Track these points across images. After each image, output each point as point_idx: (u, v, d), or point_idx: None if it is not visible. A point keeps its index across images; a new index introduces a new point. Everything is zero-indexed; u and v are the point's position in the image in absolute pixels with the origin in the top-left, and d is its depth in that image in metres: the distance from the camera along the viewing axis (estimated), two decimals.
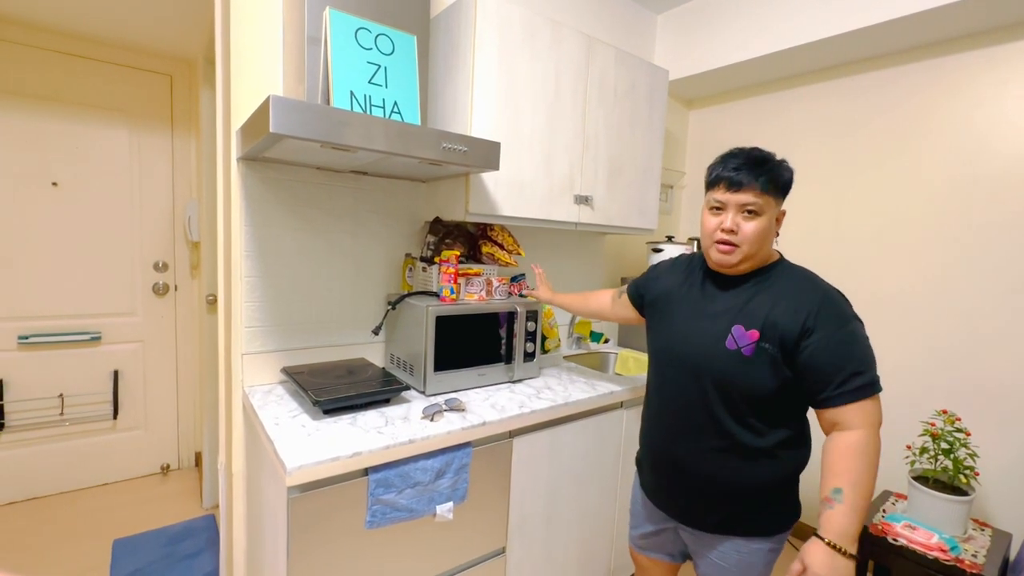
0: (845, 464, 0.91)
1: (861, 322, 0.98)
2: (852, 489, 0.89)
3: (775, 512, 1.06)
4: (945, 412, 1.70)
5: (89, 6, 1.97)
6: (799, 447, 1.05)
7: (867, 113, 2.07)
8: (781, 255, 1.09)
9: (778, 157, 1.03)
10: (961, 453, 1.61)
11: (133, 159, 2.42)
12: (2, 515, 2.18)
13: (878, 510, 1.77)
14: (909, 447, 1.78)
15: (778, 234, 1.05)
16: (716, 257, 1.04)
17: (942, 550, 1.51)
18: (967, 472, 1.60)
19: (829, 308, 0.96)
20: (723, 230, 1.01)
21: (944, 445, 1.64)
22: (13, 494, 2.27)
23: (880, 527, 1.64)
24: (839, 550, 0.87)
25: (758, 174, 0.98)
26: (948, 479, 1.64)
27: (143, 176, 2.46)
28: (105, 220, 2.38)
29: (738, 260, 1.02)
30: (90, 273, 2.37)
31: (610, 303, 1.48)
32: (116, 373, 2.45)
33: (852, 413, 0.93)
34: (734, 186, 0.99)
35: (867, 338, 0.97)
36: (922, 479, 1.68)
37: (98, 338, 2.39)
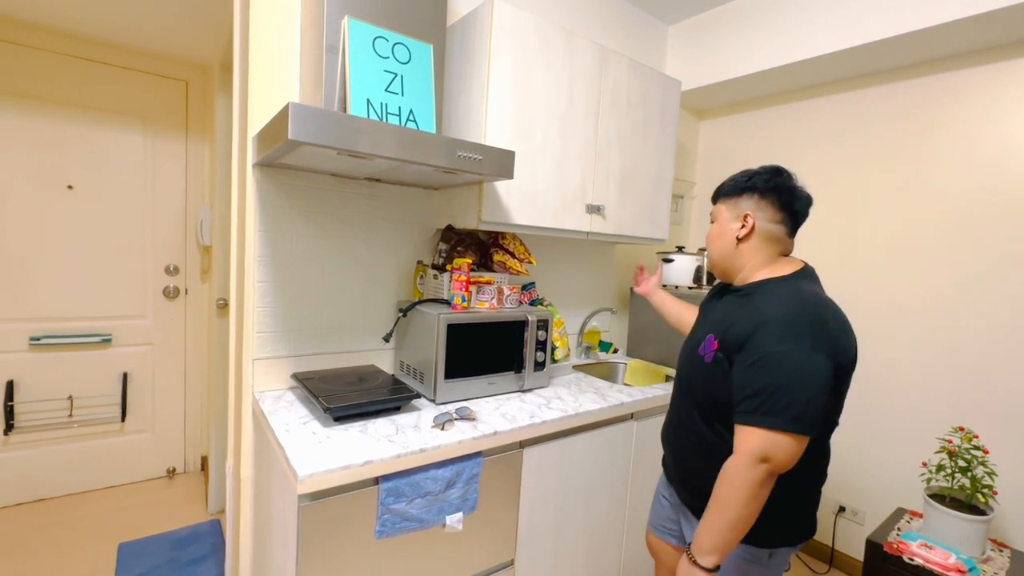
0: (717, 486, 0.93)
1: (812, 355, 0.88)
2: (711, 510, 0.93)
3: (764, 519, 0.98)
4: (962, 429, 1.67)
5: (107, 12, 2.00)
6: None
7: (879, 126, 2.06)
8: (796, 273, 1.03)
9: (775, 168, 1.08)
10: (979, 471, 1.58)
11: (147, 163, 2.45)
12: (9, 516, 2.18)
13: (892, 528, 1.74)
14: (925, 464, 1.75)
15: (739, 237, 1.06)
16: None
17: (960, 571, 1.47)
18: (985, 491, 1.57)
19: (775, 325, 0.91)
20: None
21: (961, 463, 1.60)
22: (21, 495, 2.28)
23: (896, 545, 1.61)
24: (692, 560, 0.93)
25: (716, 192, 1.15)
26: (966, 498, 1.61)
27: (157, 180, 2.48)
28: (118, 223, 2.40)
29: (709, 264, 1.17)
30: (102, 275, 2.38)
31: (691, 316, 1.44)
32: (125, 376, 2.45)
33: (738, 434, 0.93)
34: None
35: (802, 371, 0.87)
36: (938, 497, 1.65)
37: (108, 340, 2.41)
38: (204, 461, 2.66)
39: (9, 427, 2.21)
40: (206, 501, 2.37)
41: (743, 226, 1.05)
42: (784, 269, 1.03)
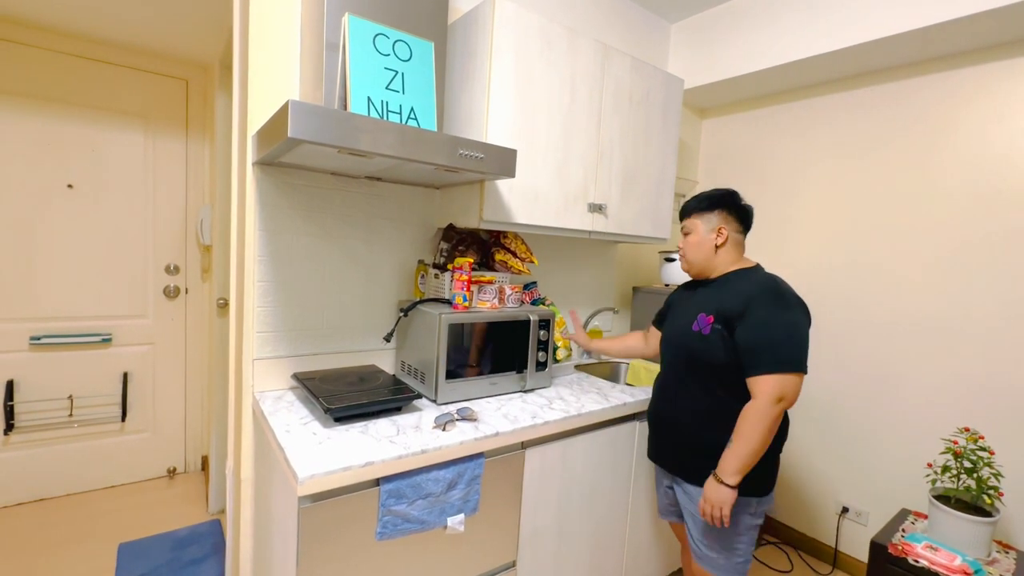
0: (740, 425, 1.18)
1: (796, 313, 1.19)
2: (737, 441, 1.17)
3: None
4: (968, 430, 1.66)
5: (106, 10, 1.99)
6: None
7: (884, 124, 2.04)
8: (757, 265, 1.34)
9: (728, 191, 1.35)
10: (985, 472, 1.57)
11: (148, 163, 2.44)
12: (10, 516, 2.18)
13: (897, 529, 1.73)
14: (930, 465, 1.73)
15: (717, 245, 1.33)
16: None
17: (966, 573, 1.46)
18: (991, 492, 1.55)
19: (764, 297, 1.20)
20: (679, 247, 1.44)
21: (967, 464, 1.59)
22: (21, 495, 2.27)
23: (900, 547, 1.60)
24: (720, 480, 1.19)
25: (685, 207, 1.41)
26: (971, 499, 1.59)
27: (157, 179, 2.48)
28: (118, 223, 2.39)
29: (686, 266, 1.42)
30: (102, 275, 2.38)
31: (644, 339, 1.72)
32: (125, 375, 2.45)
33: (756, 384, 1.17)
34: (680, 218, 1.44)
35: (795, 325, 1.18)
36: (943, 498, 1.63)
37: (108, 340, 2.40)
38: (205, 461, 2.65)
39: (9, 427, 2.21)
40: (207, 501, 2.37)
41: (719, 235, 1.33)
42: (748, 263, 1.35)
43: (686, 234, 1.39)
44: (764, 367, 1.15)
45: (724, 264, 1.35)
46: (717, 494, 1.19)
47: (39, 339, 2.24)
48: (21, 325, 2.22)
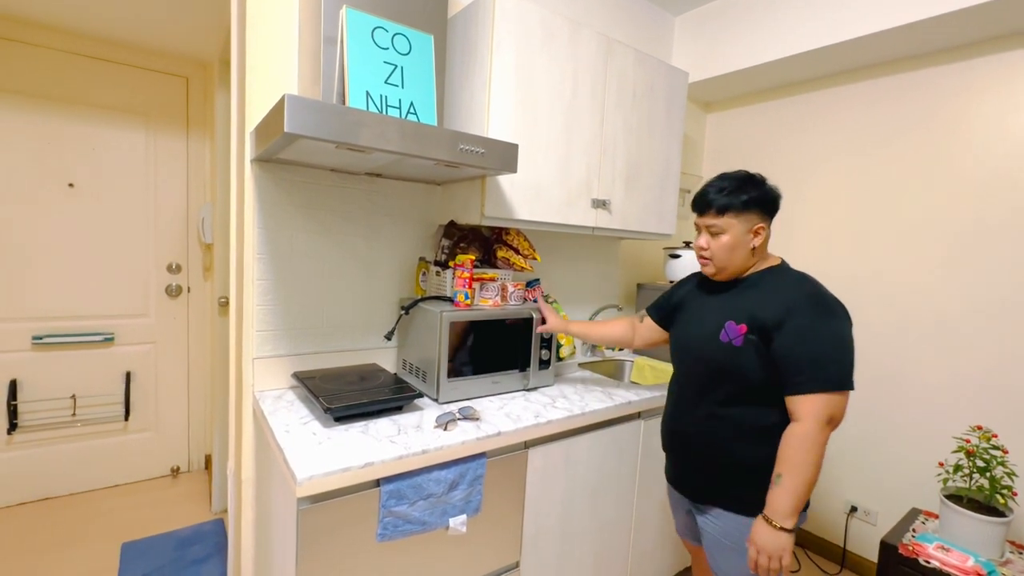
0: (786, 453, 1.03)
1: (842, 322, 1.05)
2: (789, 475, 1.02)
3: (753, 494, 1.10)
4: (980, 428, 1.63)
5: (106, 8, 1.98)
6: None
7: (894, 117, 2.00)
8: (783, 261, 1.19)
9: (754, 176, 1.15)
10: (998, 472, 1.54)
11: (148, 161, 2.43)
12: (13, 515, 2.18)
13: (907, 529, 1.70)
14: (942, 464, 1.70)
15: (755, 247, 1.15)
16: (701, 268, 1.25)
17: (979, 574, 1.43)
18: (1005, 492, 1.52)
19: (805, 303, 1.05)
20: (698, 247, 1.20)
21: (980, 463, 1.56)
22: (25, 494, 2.27)
23: (911, 547, 1.57)
24: (774, 524, 1.02)
25: (713, 200, 1.14)
26: (984, 499, 1.56)
27: (158, 178, 2.46)
28: (120, 221, 2.39)
29: (714, 271, 1.19)
30: (104, 274, 2.37)
31: (631, 328, 1.54)
32: (128, 375, 2.44)
33: (800, 404, 1.03)
34: (698, 210, 1.19)
35: (841, 337, 1.04)
36: (955, 498, 1.60)
37: (111, 339, 2.39)
38: (208, 460, 2.65)
39: (13, 426, 2.21)
40: (210, 500, 2.36)
41: (756, 236, 1.15)
42: (774, 260, 1.19)
43: (715, 233, 1.15)
44: (809, 385, 1.01)
45: (755, 263, 1.18)
46: (774, 541, 1.02)
47: (41, 339, 2.24)
48: (23, 324, 2.22)
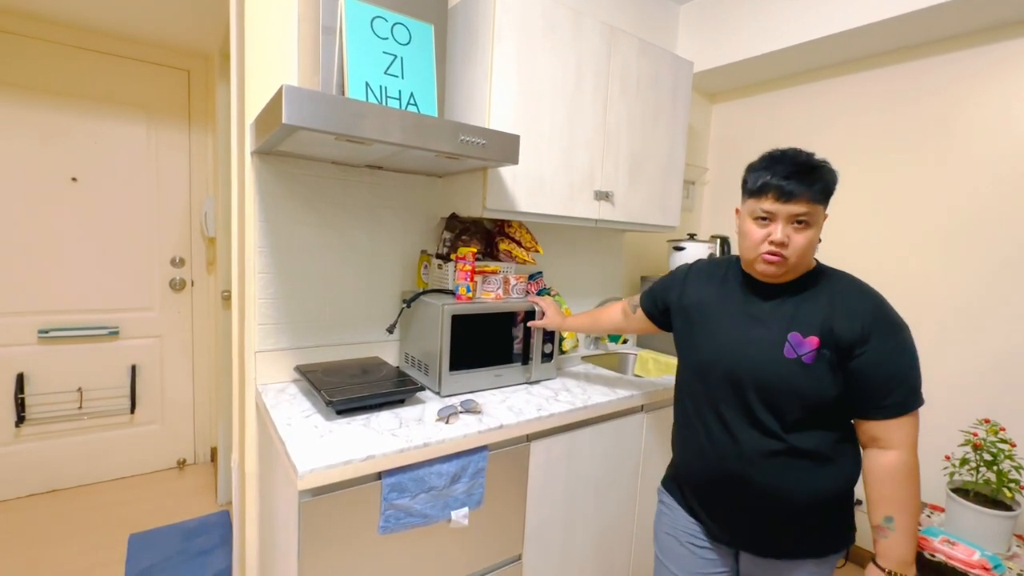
0: (892, 489, 0.90)
1: (909, 330, 0.95)
2: (903, 515, 0.90)
3: (839, 526, 1.00)
4: (988, 421, 1.61)
5: (108, 1, 1.97)
6: (856, 453, 1.00)
7: (904, 106, 1.97)
8: (816, 260, 1.03)
9: (818, 157, 0.96)
10: (1006, 465, 1.52)
11: (151, 154, 2.43)
12: (22, 506, 2.21)
13: None
14: (948, 457, 1.69)
15: (820, 240, 0.98)
16: (762, 268, 0.98)
17: (985, 568, 1.42)
18: (1012, 486, 1.51)
19: (882, 315, 0.93)
20: (773, 242, 0.94)
21: (987, 456, 1.54)
22: (33, 486, 2.30)
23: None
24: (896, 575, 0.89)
25: (811, 182, 0.91)
26: (991, 492, 1.55)
27: (161, 171, 2.46)
28: (123, 215, 2.39)
29: (785, 271, 0.97)
30: (108, 268, 2.38)
31: (623, 318, 1.43)
32: (134, 368, 2.46)
33: (894, 429, 0.91)
34: (785, 196, 0.92)
35: (915, 348, 0.93)
36: (962, 492, 1.59)
37: (116, 333, 2.41)
38: (214, 453, 2.67)
39: (20, 419, 2.23)
40: (216, 492, 2.38)
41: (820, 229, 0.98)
42: (812, 261, 1.02)
43: (802, 224, 0.93)
44: (900, 408, 0.90)
45: (805, 266, 1.00)
46: None
47: (47, 332, 2.25)
48: (29, 319, 2.23)
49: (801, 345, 0.94)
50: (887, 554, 0.91)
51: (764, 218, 0.96)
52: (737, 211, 1.05)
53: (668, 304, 1.23)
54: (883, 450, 0.92)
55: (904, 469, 0.90)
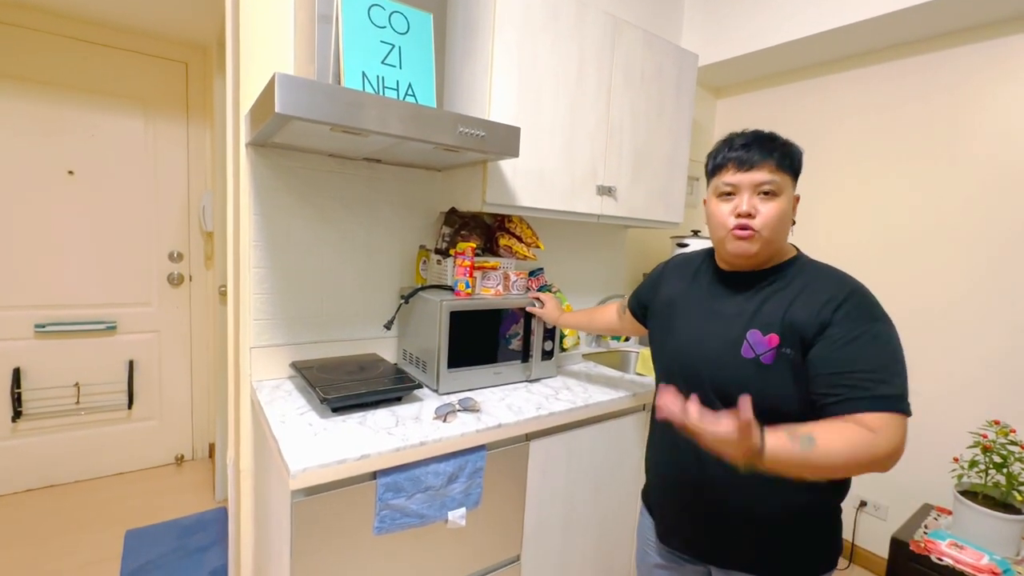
0: (828, 433, 0.74)
1: (894, 327, 0.83)
2: (818, 452, 0.72)
3: (814, 546, 0.92)
4: (998, 423, 1.58)
5: None
6: None
7: (911, 101, 1.93)
8: (798, 250, 0.97)
9: (779, 137, 0.92)
10: (1016, 468, 1.49)
11: (149, 148, 2.41)
12: (19, 502, 2.19)
13: (919, 525, 1.66)
14: (956, 459, 1.65)
15: (794, 222, 0.93)
16: (733, 247, 0.91)
17: (993, 572, 1.39)
18: (1022, 489, 1.48)
19: (853, 302, 0.82)
20: (739, 214, 0.88)
21: (997, 459, 1.51)
22: (30, 481, 2.29)
23: (923, 544, 1.53)
24: (759, 439, 0.72)
25: (770, 149, 0.88)
26: (1000, 495, 1.52)
27: (159, 165, 2.44)
28: (121, 209, 2.37)
29: (758, 247, 0.89)
30: (106, 262, 2.36)
31: (617, 319, 1.38)
32: (131, 363, 2.44)
33: (871, 419, 0.75)
34: (745, 165, 0.88)
35: (900, 347, 0.81)
36: (970, 494, 1.56)
37: (113, 328, 2.39)
38: (212, 449, 2.65)
39: (17, 414, 2.22)
40: (213, 489, 2.36)
41: (794, 210, 0.93)
42: (791, 249, 0.97)
43: (765, 192, 0.87)
44: (884, 403, 0.76)
45: (777, 249, 0.93)
46: (733, 450, 0.72)
47: (44, 327, 2.23)
48: (26, 313, 2.21)
49: (759, 344, 0.86)
50: (774, 439, 0.73)
51: (728, 193, 0.91)
52: (704, 202, 0.99)
53: (648, 303, 1.18)
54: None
55: (856, 435, 0.73)
